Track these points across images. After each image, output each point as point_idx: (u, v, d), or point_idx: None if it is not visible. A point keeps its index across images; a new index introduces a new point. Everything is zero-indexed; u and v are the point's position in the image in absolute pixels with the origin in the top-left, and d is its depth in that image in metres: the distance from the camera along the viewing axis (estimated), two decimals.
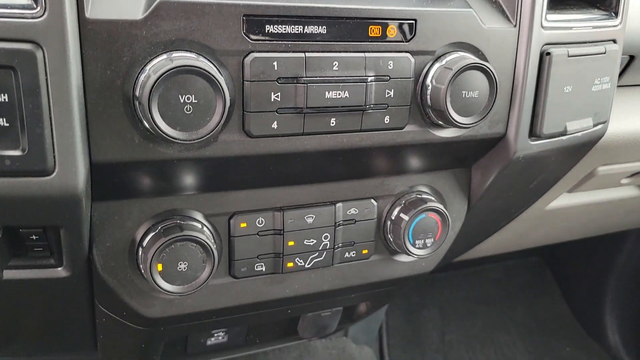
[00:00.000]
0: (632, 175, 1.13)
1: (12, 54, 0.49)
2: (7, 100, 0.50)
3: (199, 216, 0.68)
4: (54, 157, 0.53)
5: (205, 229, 0.67)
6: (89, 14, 0.52)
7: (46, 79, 0.51)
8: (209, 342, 0.92)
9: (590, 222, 1.36)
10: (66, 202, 0.56)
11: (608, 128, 0.88)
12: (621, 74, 0.98)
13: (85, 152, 0.55)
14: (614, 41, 0.79)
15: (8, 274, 0.64)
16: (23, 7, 0.50)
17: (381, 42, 0.63)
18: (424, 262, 0.83)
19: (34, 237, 0.62)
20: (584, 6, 0.78)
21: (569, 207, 1.18)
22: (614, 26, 0.79)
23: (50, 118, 0.52)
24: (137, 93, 0.54)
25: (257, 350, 1.07)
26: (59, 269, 0.66)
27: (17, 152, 0.52)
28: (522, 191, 0.88)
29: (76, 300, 0.74)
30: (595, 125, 0.81)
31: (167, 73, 0.52)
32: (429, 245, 0.78)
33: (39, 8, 0.50)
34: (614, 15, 0.79)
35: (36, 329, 0.87)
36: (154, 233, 0.65)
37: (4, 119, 0.51)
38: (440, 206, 0.76)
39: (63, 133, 0.53)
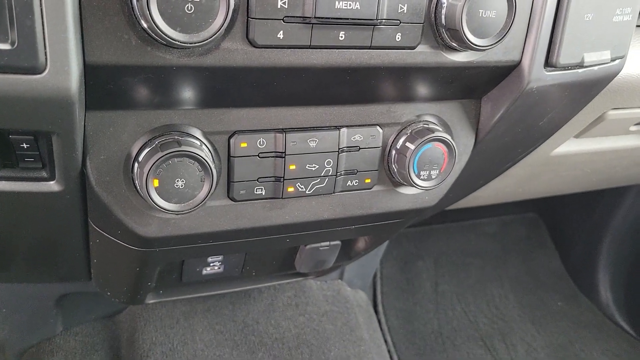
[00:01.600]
0: None
1: None
2: None
3: (197, 133, 0.65)
4: (45, 53, 0.50)
5: (203, 146, 0.64)
6: None
7: None
8: (204, 272, 0.91)
9: (594, 172, 1.34)
10: (58, 104, 0.52)
11: (623, 69, 0.85)
12: None
13: (78, 51, 0.51)
14: None
15: None
16: None
17: None
18: (427, 196, 0.81)
19: (24, 144, 0.60)
20: None
21: (574, 153, 1.16)
22: None
23: (42, 9, 0.48)
24: None
25: (252, 286, 1.06)
26: (51, 182, 0.63)
27: (5, 46, 0.48)
28: (531, 128, 0.86)
29: (69, 218, 0.72)
30: (612, 60, 0.77)
31: None
32: (433, 177, 0.75)
33: None
34: None
35: (28, 251, 0.85)
36: (150, 148, 0.62)
37: None
38: (448, 136, 0.74)
39: (55, 27, 0.49)
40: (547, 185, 1.38)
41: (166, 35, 0.51)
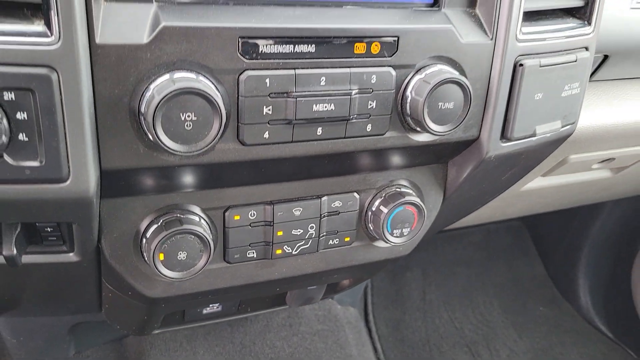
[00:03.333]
0: (603, 161, 1.20)
1: (30, 77, 0.55)
2: (26, 118, 0.56)
3: (196, 210, 0.75)
4: (68, 166, 0.59)
5: (202, 221, 0.74)
6: (99, 39, 0.57)
7: (60, 99, 0.57)
8: (205, 312, 1.01)
9: (565, 198, 1.45)
10: (78, 203, 0.62)
11: (579, 122, 0.95)
12: (596, 70, 1.04)
13: (95, 161, 0.61)
14: (586, 48, 0.85)
15: (25, 259, 0.72)
16: (39, 34, 0.55)
17: (365, 58, 0.69)
18: (401, 247, 0.91)
19: (48, 229, 0.70)
20: (559, 15, 0.83)
21: (543, 188, 1.26)
22: (587, 34, 0.84)
23: (65, 133, 0.58)
24: (142, 110, 0.60)
25: (248, 314, 1.16)
26: (71, 254, 0.73)
27: (35, 163, 0.58)
28: (495, 182, 0.96)
29: (85, 277, 0.82)
30: (563, 127, 0.87)
31: (170, 94, 0.58)
32: (405, 234, 0.85)
33: (53, 37, 0.55)
34: (587, 24, 0.84)
35: (45, 296, 0.95)
36: (156, 226, 0.72)
37: (24, 134, 0.57)
38: (417, 200, 0.84)
39: (76, 145, 0.59)
40: (522, 210, 1.49)
41: (169, 147, 0.60)
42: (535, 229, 2.35)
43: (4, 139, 0.55)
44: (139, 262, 0.75)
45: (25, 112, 0.56)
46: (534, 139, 0.84)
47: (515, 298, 2.16)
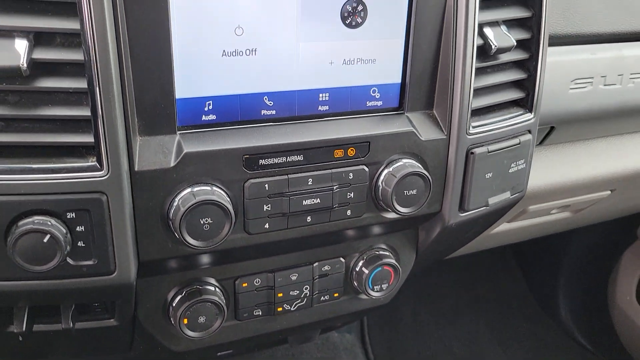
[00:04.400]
0: (561, 207, 1.38)
1: (87, 201, 0.73)
2: (83, 230, 0.74)
3: (212, 281, 0.93)
4: (115, 263, 0.77)
5: (217, 290, 0.92)
6: (137, 167, 0.75)
7: (109, 214, 0.74)
8: (218, 354, 1.19)
9: (533, 233, 1.62)
10: (122, 288, 0.80)
11: (533, 181, 1.12)
12: (546, 137, 1.22)
13: (135, 256, 0.79)
14: (529, 131, 1.02)
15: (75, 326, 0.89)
16: (93, 168, 0.72)
17: (343, 160, 0.86)
18: (382, 297, 1.09)
19: (95, 304, 0.87)
20: (504, 107, 1.01)
21: (510, 229, 1.43)
22: (529, 120, 1.01)
23: (112, 238, 0.76)
24: (170, 216, 0.77)
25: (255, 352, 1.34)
26: (112, 320, 0.91)
27: (90, 262, 0.76)
28: (461, 239, 1.13)
29: (120, 334, 0.99)
30: (513, 195, 1.05)
31: (192, 206, 0.76)
32: (384, 289, 1.03)
33: (104, 170, 0.72)
34: (529, 111, 1.01)
35: (79, 348, 1.12)
36: (180, 296, 0.90)
37: (82, 242, 0.74)
38: (393, 260, 1.01)
39: (120, 247, 0.76)
40: (497, 244, 1.66)
41: (191, 244, 0.78)
42: (517, 248, 2.52)
43: (68, 247, 0.73)
44: (167, 324, 0.92)
45: (82, 226, 0.74)
46: (487, 208, 1.02)
47: (500, 315, 2.33)
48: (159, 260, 0.82)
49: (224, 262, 0.92)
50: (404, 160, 0.90)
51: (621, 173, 1.32)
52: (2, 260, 0.71)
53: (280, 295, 0.97)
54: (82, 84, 0.70)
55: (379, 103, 0.91)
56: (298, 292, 0.99)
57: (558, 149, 1.26)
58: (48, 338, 0.91)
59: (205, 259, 0.89)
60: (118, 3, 0.69)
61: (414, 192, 0.90)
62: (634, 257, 2.09)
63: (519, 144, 1.00)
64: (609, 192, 1.38)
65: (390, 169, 0.89)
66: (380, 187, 0.89)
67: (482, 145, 0.96)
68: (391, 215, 0.94)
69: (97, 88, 0.69)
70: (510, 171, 1.01)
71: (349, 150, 0.87)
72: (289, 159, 0.83)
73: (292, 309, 1.00)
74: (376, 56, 0.88)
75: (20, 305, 0.83)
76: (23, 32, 0.67)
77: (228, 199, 0.79)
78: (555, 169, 1.24)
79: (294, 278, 0.98)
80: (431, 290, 2.34)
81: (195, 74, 0.78)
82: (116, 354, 1.22)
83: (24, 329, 0.83)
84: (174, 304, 0.90)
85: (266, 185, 0.82)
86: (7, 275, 0.73)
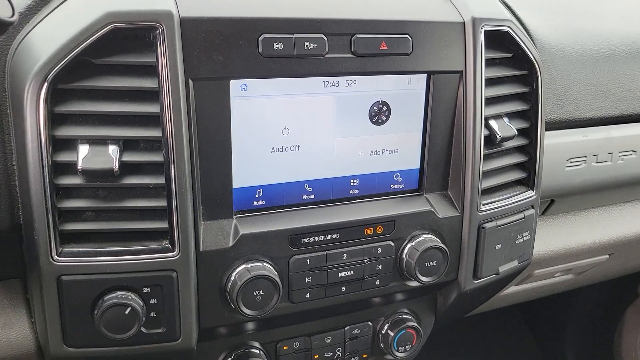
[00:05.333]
0: (564, 270, 1.50)
1: (160, 278, 0.86)
2: (156, 302, 0.87)
3: (257, 344, 1.05)
4: (180, 331, 0.89)
5: (261, 353, 1.04)
6: (202, 248, 0.88)
7: (178, 289, 0.87)
8: None
9: (540, 293, 1.73)
10: (184, 352, 0.92)
11: (537, 248, 1.25)
12: (547, 209, 1.36)
13: (196, 324, 0.91)
14: (532, 206, 1.16)
15: None
16: (167, 250, 0.86)
17: (372, 237, 1.00)
18: (405, 358, 1.20)
19: None
20: (509, 186, 1.15)
21: (518, 291, 1.55)
22: (531, 197, 1.15)
23: (179, 309, 0.88)
24: (228, 289, 0.90)
25: None
26: None
27: (159, 330, 0.88)
28: (474, 302, 1.25)
29: None
30: (520, 263, 1.18)
31: (247, 281, 0.89)
32: (407, 350, 1.14)
33: (175, 251, 0.86)
34: (531, 189, 1.16)
35: None
36: (230, 359, 1.01)
37: (154, 313, 0.87)
38: (415, 324, 1.13)
39: (185, 317, 0.89)
40: (506, 304, 1.77)
41: (245, 314, 0.90)
42: (524, 304, 2.61)
43: (144, 318, 0.85)
44: None
45: (155, 299, 0.87)
46: (498, 275, 1.15)
47: None
48: (215, 327, 0.94)
49: (267, 327, 1.04)
50: (425, 236, 1.03)
51: (617, 238, 1.45)
52: (89, 330, 0.84)
53: (316, 357, 1.09)
54: (160, 180, 0.84)
55: (401, 186, 1.06)
56: (332, 353, 1.10)
57: (558, 218, 1.39)
58: None
59: (250, 325, 1.01)
60: (191, 115, 0.84)
61: (434, 263, 1.03)
62: (636, 314, 2.19)
63: (524, 218, 1.14)
64: (607, 256, 1.50)
65: (413, 244, 1.02)
66: (405, 260, 1.02)
67: (492, 220, 1.09)
68: (414, 284, 1.06)
69: (174, 183, 0.84)
70: (517, 242, 1.15)
71: (377, 228, 1.00)
72: (326, 237, 0.97)
73: None
74: (398, 147, 1.03)
75: None
76: (115, 140, 0.82)
77: (276, 273, 0.92)
78: (557, 237, 1.38)
79: (328, 341, 1.09)
80: (443, 347, 2.41)
81: (249, 168, 0.93)
82: None
83: None
84: None
85: (308, 260, 0.95)
86: (93, 343, 0.86)
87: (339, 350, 1.11)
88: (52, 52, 0.77)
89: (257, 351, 1.03)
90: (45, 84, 0.77)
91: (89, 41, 0.78)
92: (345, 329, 1.11)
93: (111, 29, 0.78)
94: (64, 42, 0.77)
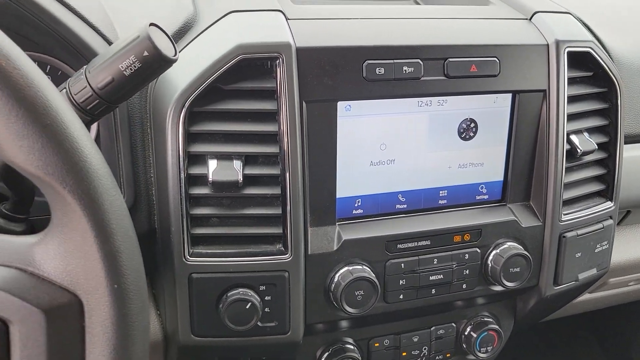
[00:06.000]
0: (638, 279, 1.53)
1: (275, 277, 0.97)
2: (270, 299, 0.98)
3: (351, 341, 1.14)
4: (289, 325, 1.00)
5: (355, 348, 1.13)
6: (310, 252, 0.99)
7: (288, 287, 0.98)
8: None
9: (612, 301, 1.76)
10: (291, 346, 1.03)
11: (613, 257, 1.30)
12: (623, 219, 1.40)
13: (303, 320, 1.01)
14: (610, 217, 1.21)
15: None
16: (281, 252, 0.97)
17: (460, 243, 1.08)
18: (486, 359, 1.27)
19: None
20: (589, 197, 1.21)
21: (591, 299, 1.59)
22: (610, 208, 1.21)
23: (289, 306, 0.99)
24: (332, 289, 1.00)
25: None
26: None
27: (272, 324, 0.99)
28: (552, 308, 1.31)
29: None
30: (598, 271, 1.23)
31: (350, 282, 0.99)
32: (489, 351, 1.22)
33: (288, 254, 0.97)
34: (609, 200, 1.21)
35: None
36: (328, 353, 1.12)
37: (268, 309, 0.98)
38: (497, 326, 1.20)
39: (294, 312, 0.99)
40: (578, 310, 1.80)
41: (348, 311, 1.00)
42: (594, 315, 2.60)
43: (260, 313, 0.96)
44: None
45: (270, 296, 0.98)
46: (577, 282, 1.20)
47: None
48: (318, 323, 1.05)
49: (360, 325, 1.14)
50: (509, 244, 1.11)
51: None
52: (214, 322, 0.96)
53: (404, 354, 1.17)
54: (276, 190, 0.95)
55: (486, 197, 1.13)
56: (418, 351, 1.19)
57: (634, 228, 1.43)
58: None
59: (345, 323, 1.11)
60: (304, 133, 0.95)
61: (518, 269, 1.10)
62: None
63: (603, 228, 1.19)
64: None
65: (498, 251, 1.10)
66: (490, 266, 1.10)
67: (572, 230, 1.15)
68: (497, 288, 1.14)
69: (288, 194, 0.95)
70: (596, 251, 1.20)
71: (465, 235, 1.08)
72: (419, 244, 1.05)
73: None
74: (484, 160, 1.11)
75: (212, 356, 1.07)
76: (239, 155, 0.94)
77: (374, 275, 1.02)
78: (633, 246, 1.42)
79: (415, 340, 1.18)
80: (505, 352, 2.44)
81: (350, 180, 1.03)
82: None
83: None
84: (322, 359, 1.11)
85: (402, 264, 1.05)
86: (217, 334, 0.97)
87: (425, 349, 1.19)
88: (190, 81, 0.90)
89: (351, 347, 1.13)
90: (184, 109, 0.90)
91: (221, 70, 0.90)
92: (431, 329, 1.19)
93: (240, 59, 0.90)
94: (200, 72, 0.90)
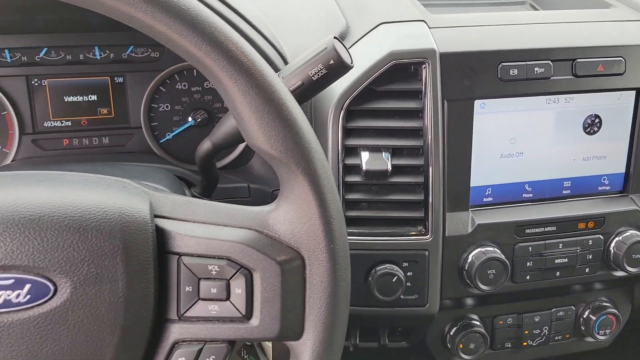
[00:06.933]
0: None
1: (417, 255, 1.10)
2: (412, 275, 1.11)
3: (476, 317, 1.25)
4: (427, 298, 1.13)
5: (480, 323, 1.24)
6: (447, 234, 1.11)
7: (428, 265, 1.11)
8: None
9: None
10: (428, 318, 1.16)
11: None
12: None
13: (439, 295, 1.14)
14: None
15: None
16: (422, 233, 1.10)
17: (585, 230, 1.17)
18: (603, 342, 1.34)
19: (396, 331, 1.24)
20: None
21: None
22: None
23: (428, 282, 1.12)
24: (466, 268, 1.12)
25: None
26: (403, 342, 1.26)
27: (413, 297, 1.12)
28: None
29: (404, 354, 1.34)
30: None
31: (483, 261, 1.10)
32: (607, 334, 1.29)
33: (429, 235, 1.10)
34: None
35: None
36: (456, 328, 1.23)
37: (410, 282, 1.11)
38: (615, 311, 1.27)
39: (433, 287, 1.12)
40: None
41: (481, 288, 1.12)
42: None
43: (404, 286, 1.10)
44: (444, 348, 1.26)
45: (411, 272, 1.11)
46: None
47: None
48: (451, 298, 1.17)
49: (485, 303, 1.25)
50: (631, 231, 1.18)
51: None
52: (364, 293, 1.10)
53: (526, 332, 1.27)
54: (419, 179, 1.09)
55: (607, 188, 1.21)
56: (539, 331, 1.28)
57: None
58: (362, 353, 1.28)
59: (471, 300, 1.23)
60: (445, 128, 1.08)
61: (639, 255, 1.17)
62: None
63: None
64: None
65: (620, 238, 1.18)
66: (612, 252, 1.18)
67: None
68: (619, 274, 1.21)
69: (430, 182, 1.08)
70: None
71: (589, 223, 1.17)
72: (545, 229, 1.15)
73: (533, 344, 1.29)
74: (607, 154, 1.19)
75: (358, 326, 1.22)
76: (387, 148, 1.08)
77: (504, 257, 1.13)
78: None
79: (536, 320, 1.27)
80: None
81: (482, 170, 1.14)
82: None
83: (356, 342, 1.21)
84: (451, 333, 1.23)
85: (529, 248, 1.15)
86: (366, 304, 1.12)
87: (545, 329, 1.28)
88: (349, 84, 1.05)
89: (477, 322, 1.24)
90: (343, 108, 1.05)
91: (375, 74, 1.04)
92: (552, 310, 1.28)
93: (392, 64, 1.04)
94: (358, 76, 1.04)
